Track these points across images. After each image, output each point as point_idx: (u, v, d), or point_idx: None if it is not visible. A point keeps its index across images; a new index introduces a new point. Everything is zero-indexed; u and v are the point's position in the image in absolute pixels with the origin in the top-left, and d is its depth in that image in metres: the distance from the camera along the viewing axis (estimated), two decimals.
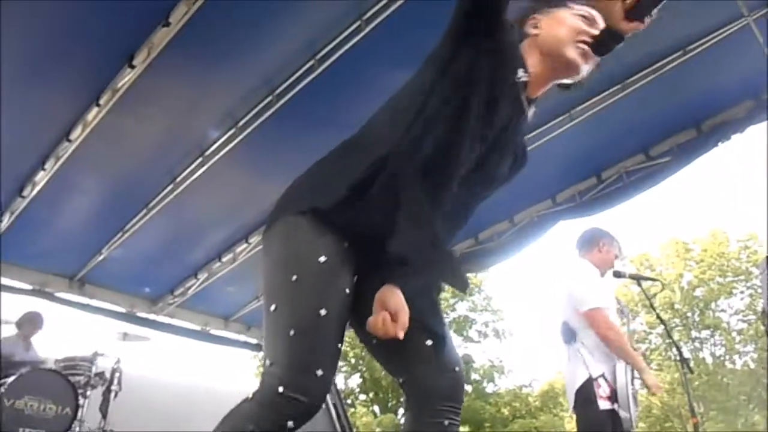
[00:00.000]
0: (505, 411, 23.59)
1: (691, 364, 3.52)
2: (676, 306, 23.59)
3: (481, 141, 1.43)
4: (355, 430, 6.83)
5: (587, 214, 5.39)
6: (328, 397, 6.10)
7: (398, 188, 1.34)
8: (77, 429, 4.65)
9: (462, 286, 1.49)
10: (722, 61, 4.18)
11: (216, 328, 7.36)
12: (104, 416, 5.00)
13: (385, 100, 1.55)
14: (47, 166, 4.60)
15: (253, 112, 4.40)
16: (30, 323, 5.43)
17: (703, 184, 44.53)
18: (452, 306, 25.08)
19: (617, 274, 3.60)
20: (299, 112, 4.33)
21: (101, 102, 4.05)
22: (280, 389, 1.27)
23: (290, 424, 1.28)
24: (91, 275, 6.24)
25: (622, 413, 2.89)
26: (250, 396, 1.33)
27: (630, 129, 4.93)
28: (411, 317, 1.30)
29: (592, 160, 5.30)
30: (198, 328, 7.25)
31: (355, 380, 24.46)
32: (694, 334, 23.97)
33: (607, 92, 4.53)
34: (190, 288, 6.48)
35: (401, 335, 1.29)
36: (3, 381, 4.38)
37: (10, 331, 5.37)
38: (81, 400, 4.66)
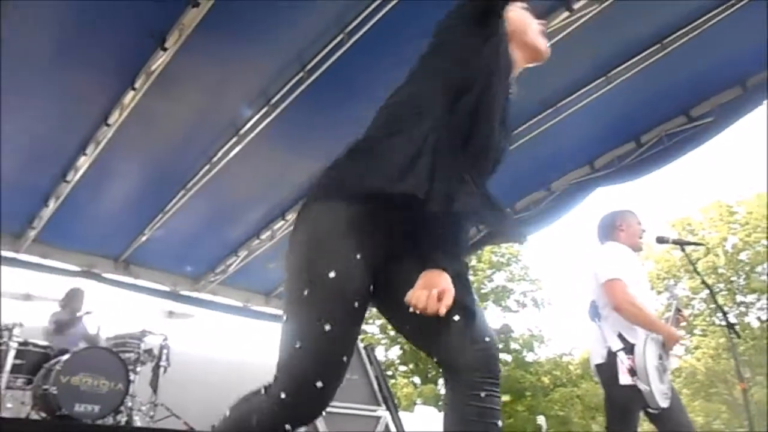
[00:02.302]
0: (546, 380, 23.57)
1: (737, 329, 3.43)
2: (720, 270, 23.05)
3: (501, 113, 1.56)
4: (396, 400, 6.91)
5: (626, 179, 5.28)
6: (370, 368, 6.19)
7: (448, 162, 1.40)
8: (129, 403, 4.83)
9: (518, 238, 1.64)
10: None
11: (257, 304, 7.50)
12: (154, 391, 5.19)
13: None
14: (88, 150, 4.70)
15: (286, 88, 4.41)
16: (74, 299, 5.58)
17: (748, 145, 42.98)
18: (490, 277, 25.02)
19: (660, 240, 3.52)
20: (332, 87, 4.32)
21: (136, 85, 4.11)
22: (282, 396, 1.36)
23: (287, 427, 1.38)
24: (134, 256, 6.42)
25: (642, 386, 2.84)
26: (262, 391, 1.42)
27: (670, 90, 4.78)
28: None
29: (630, 123, 5.16)
30: (240, 304, 7.40)
31: (395, 352, 24.74)
32: (739, 298, 23.43)
33: (645, 53, 4.39)
34: (230, 265, 6.61)
35: (443, 311, 1.33)
36: (58, 359, 4.57)
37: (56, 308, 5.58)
38: (132, 376, 4.83)
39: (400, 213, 1.40)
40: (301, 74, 4.29)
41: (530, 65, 1.74)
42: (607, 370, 2.98)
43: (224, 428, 1.45)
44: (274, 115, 4.55)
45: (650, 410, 2.93)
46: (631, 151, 5.25)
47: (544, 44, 1.71)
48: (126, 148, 4.84)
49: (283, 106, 4.48)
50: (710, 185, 50.36)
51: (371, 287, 1.45)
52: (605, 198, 4.70)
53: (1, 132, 4.55)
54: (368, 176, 1.40)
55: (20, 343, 4.70)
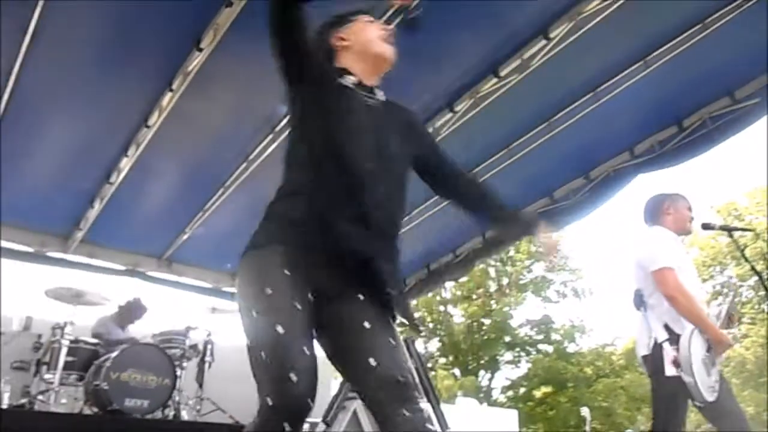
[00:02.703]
0: (588, 370, 23.24)
1: None
2: None
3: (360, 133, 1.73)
4: (437, 393, 6.91)
5: (668, 165, 5.14)
6: (411, 362, 6.20)
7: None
8: (177, 398, 4.96)
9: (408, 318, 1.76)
10: None
11: None
12: (200, 385, 5.31)
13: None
14: (129, 152, 4.82)
15: None
16: (129, 311, 5.71)
17: None
18: (528, 267, 24.78)
19: (706, 226, 3.42)
20: None
21: (174, 86, 4.18)
22: (270, 402, 1.47)
23: (287, 428, 1.47)
24: (177, 254, 6.56)
25: (687, 379, 2.76)
26: (256, 414, 1.53)
27: (713, 71, 4.62)
28: (357, 333, 1.62)
29: (671, 107, 5.02)
30: None
31: (435, 344, 24.75)
32: None
33: (685, 34, 4.26)
34: None
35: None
36: (108, 356, 4.71)
37: (109, 310, 5.73)
38: (178, 372, 4.95)
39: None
40: None
41: (381, 73, 1.89)
42: (653, 361, 2.92)
43: None
44: None
45: (696, 403, 2.86)
46: (673, 135, 5.11)
47: (386, 50, 1.86)
48: (165, 148, 4.94)
49: None
50: (756, 169, 48.70)
51: (311, 296, 1.61)
52: (646, 185, 4.57)
53: (47, 137, 4.72)
54: (261, 233, 1.80)
55: (71, 341, 4.87)
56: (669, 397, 2.89)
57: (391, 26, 1.89)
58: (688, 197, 3.32)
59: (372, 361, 1.57)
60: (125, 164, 4.94)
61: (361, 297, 1.68)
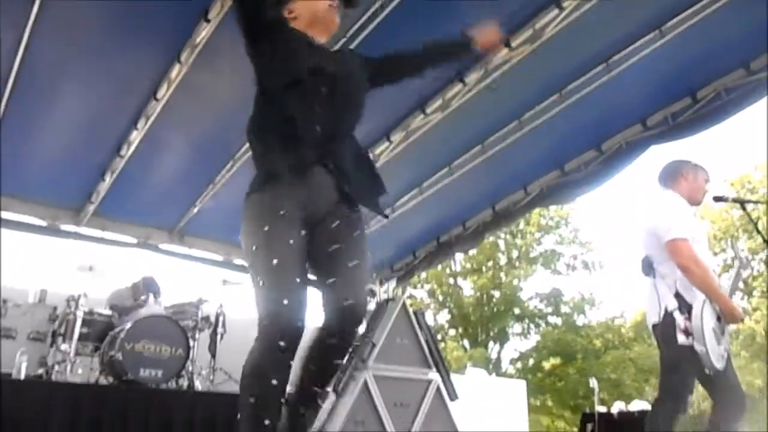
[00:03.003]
0: (598, 343, 23.32)
1: None
2: None
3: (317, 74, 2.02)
4: (446, 364, 6.97)
5: (681, 136, 5.08)
6: (420, 333, 6.26)
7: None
8: (190, 368, 5.04)
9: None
10: None
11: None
12: (213, 356, 5.39)
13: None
14: (139, 125, 4.82)
15: None
16: (143, 287, 5.74)
17: None
18: (538, 240, 24.73)
19: (718, 199, 3.39)
20: (372, 52, 4.27)
21: (182, 59, 4.16)
22: (266, 322, 1.74)
23: (282, 344, 1.71)
24: (188, 227, 6.60)
25: (698, 347, 2.77)
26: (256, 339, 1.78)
27: (728, 42, 4.53)
28: (327, 256, 1.92)
29: (685, 78, 4.95)
30: None
31: (444, 316, 24.90)
32: None
33: (700, 4, 4.17)
34: None
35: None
36: (122, 327, 4.79)
37: (123, 284, 5.82)
38: (191, 342, 5.03)
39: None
40: (342, 40, 4.26)
41: (326, 36, 2.22)
42: (663, 329, 2.92)
43: (243, 369, 1.81)
44: None
45: (706, 371, 2.86)
46: (687, 107, 5.04)
47: (329, 19, 2.17)
48: (175, 121, 4.94)
49: None
50: None
51: (303, 233, 1.88)
52: (659, 157, 4.50)
53: (57, 111, 4.72)
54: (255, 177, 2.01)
55: (86, 313, 4.95)
56: (677, 365, 2.90)
57: None
58: (708, 170, 3.28)
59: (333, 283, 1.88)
60: (135, 137, 4.94)
61: (335, 223, 1.97)
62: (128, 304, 5.51)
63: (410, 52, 2.35)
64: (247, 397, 1.73)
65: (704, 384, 3.01)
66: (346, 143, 2.06)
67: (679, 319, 2.85)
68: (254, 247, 1.82)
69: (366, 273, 1.97)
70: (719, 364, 2.82)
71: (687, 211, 3.11)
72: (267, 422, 1.69)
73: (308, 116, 1.95)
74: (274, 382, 1.72)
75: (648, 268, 3.05)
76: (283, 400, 1.81)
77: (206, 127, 5.15)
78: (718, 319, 2.89)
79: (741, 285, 3.19)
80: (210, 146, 5.39)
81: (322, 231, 1.95)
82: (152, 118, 4.72)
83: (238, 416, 1.74)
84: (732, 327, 3.02)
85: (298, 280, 1.78)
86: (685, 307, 2.86)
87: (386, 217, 2.41)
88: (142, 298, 5.57)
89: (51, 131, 4.94)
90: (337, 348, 1.89)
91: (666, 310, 2.91)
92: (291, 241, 1.83)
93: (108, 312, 5.17)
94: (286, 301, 1.72)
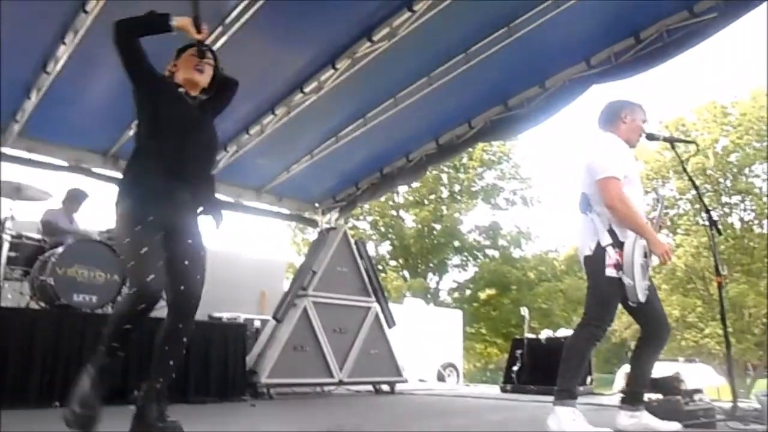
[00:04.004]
0: (531, 275, 24.38)
1: (719, 227, 3.52)
2: (709, 172, 23.26)
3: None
4: (386, 293, 7.15)
5: (623, 76, 5.17)
6: (360, 262, 6.36)
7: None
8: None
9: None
10: None
11: (248, 199, 7.54)
12: None
13: None
14: (67, 39, 4.51)
15: None
16: (71, 200, 5.62)
17: (749, 41, 41.89)
18: (480, 175, 25.16)
19: (651, 137, 3.51)
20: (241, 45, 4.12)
21: None
22: (133, 290, 2.39)
23: (141, 307, 2.34)
24: (124, 151, 6.34)
25: (627, 281, 2.94)
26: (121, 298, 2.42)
27: None
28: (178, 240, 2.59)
29: (629, 18, 4.98)
30: (231, 200, 7.44)
31: (386, 247, 25.32)
32: (724, 199, 23.83)
33: None
34: (220, 161, 6.57)
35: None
36: (52, 251, 4.64)
37: (55, 204, 5.61)
38: None
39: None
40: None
41: (197, 90, 2.85)
42: (594, 262, 3.06)
43: (109, 320, 2.50)
44: (259, 4, 4.35)
45: (630, 303, 3.06)
46: (630, 47, 5.10)
47: (196, 76, 2.83)
48: (107, 37, 4.64)
49: None
50: (707, 84, 49.68)
51: (163, 233, 2.53)
52: (600, 95, 4.57)
53: None
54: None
55: (13, 236, 4.76)
56: (604, 296, 3.07)
57: (204, 60, 2.84)
58: (646, 109, 3.37)
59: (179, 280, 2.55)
60: (63, 53, 4.63)
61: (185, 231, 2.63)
62: (63, 225, 5.34)
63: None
64: (108, 333, 2.40)
65: (633, 314, 3.21)
66: (204, 169, 2.76)
67: (611, 253, 3.00)
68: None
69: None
70: (643, 297, 3.01)
71: (624, 152, 3.21)
72: (116, 345, 2.40)
73: (177, 151, 2.61)
74: (128, 327, 2.40)
75: (585, 204, 3.18)
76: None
77: (144, 44, 4.86)
78: (645, 255, 3.06)
79: (668, 222, 3.35)
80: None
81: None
82: (81, 33, 4.43)
83: (101, 344, 2.40)
84: (655, 262, 3.20)
85: (159, 265, 2.45)
86: (617, 243, 3.01)
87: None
88: (74, 216, 5.42)
89: None
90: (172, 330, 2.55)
91: (599, 244, 3.05)
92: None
93: (37, 236, 4.99)
94: (151, 277, 2.36)
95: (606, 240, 3.04)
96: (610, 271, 3.00)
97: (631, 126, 3.29)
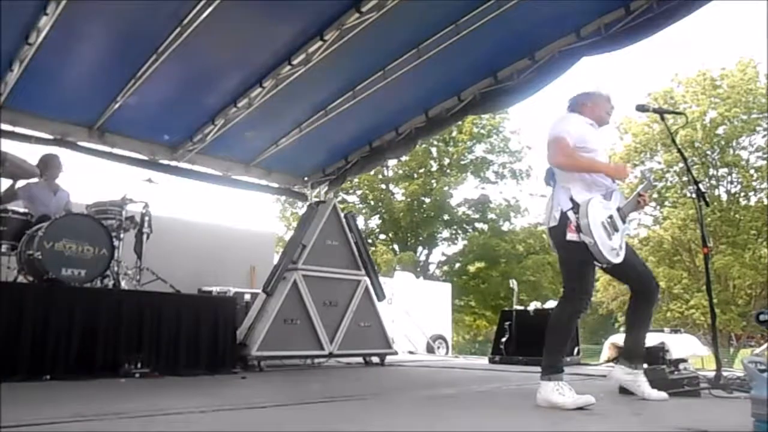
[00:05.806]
0: (520, 247, 24.51)
1: (707, 198, 3.54)
2: (697, 144, 23.36)
3: None
4: (376, 266, 7.17)
5: (613, 48, 5.16)
6: (350, 235, 6.35)
7: None
8: (116, 268, 4.96)
9: None
10: None
11: (237, 173, 7.51)
12: (139, 256, 5.32)
13: None
14: (49, 10, 4.42)
15: None
16: (48, 166, 5.43)
17: (741, 13, 41.72)
18: (470, 148, 25.10)
19: (640, 108, 3.51)
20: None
21: None
22: None
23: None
24: (109, 124, 6.27)
25: (586, 239, 2.94)
26: None
27: None
28: None
29: None
30: (219, 173, 7.40)
31: (375, 221, 25.33)
32: (711, 171, 23.99)
33: None
34: (208, 134, 6.51)
35: None
36: (40, 225, 4.60)
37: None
38: (116, 242, 4.91)
39: None
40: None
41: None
42: (558, 230, 3.07)
43: None
44: None
45: (602, 266, 3.06)
46: (620, 18, 5.08)
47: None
48: (90, 8, 4.56)
49: None
50: (695, 56, 49.54)
51: None
52: (590, 67, 4.55)
53: None
54: None
55: (0, 210, 4.71)
56: (574, 263, 3.06)
57: None
58: (611, 96, 3.38)
59: None
60: (45, 23, 4.54)
61: None
62: (43, 193, 5.29)
63: None
64: None
65: (616, 276, 3.22)
66: None
67: (572, 217, 3.01)
68: None
69: None
70: (614, 259, 3.01)
71: (583, 123, 3.21)
72: None
73: None
74: None
75: (549, 177, 3.20)
76: None
77: (126, 16, 4.79)
78: (610, 217, 3.07)
79: (655, 195, 3.38)
80: (131, 37, 5.03)
81: None
82: (63, 3, 4.33)
83: None
84: (635, 212, 3.18)
85: None
86: (577, 207, 3.01)
87: None
88: (58, 183, 5.37)
89: None
90: None
91: (561, 212, 3.06)
92: None
93: (23, 210, 4.94)
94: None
95: (567, 206, 3.04)
96: (571, 235, 2.99)
97: (593, 108, 3.32)
